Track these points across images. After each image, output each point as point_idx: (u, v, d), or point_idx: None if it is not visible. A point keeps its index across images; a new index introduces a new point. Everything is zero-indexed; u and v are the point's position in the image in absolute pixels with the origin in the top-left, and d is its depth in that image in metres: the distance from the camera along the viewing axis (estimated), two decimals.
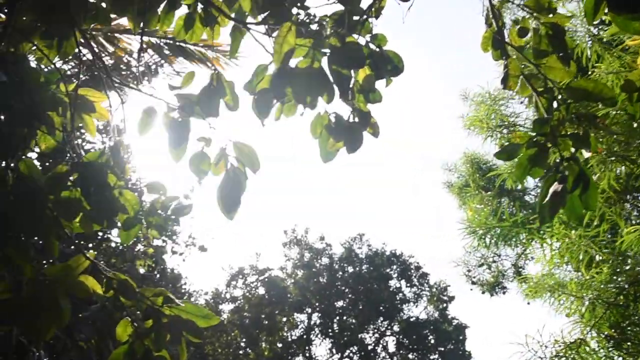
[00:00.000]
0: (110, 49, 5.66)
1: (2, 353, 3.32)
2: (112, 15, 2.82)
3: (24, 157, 2.51)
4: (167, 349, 2.41)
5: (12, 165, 2.47)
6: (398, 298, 23.90)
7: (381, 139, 2.73)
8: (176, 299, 2.43)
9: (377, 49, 2.46)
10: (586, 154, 2.52)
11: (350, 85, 2.46)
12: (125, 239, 2.69)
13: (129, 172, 2.71)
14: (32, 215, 2.57)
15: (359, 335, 23.43)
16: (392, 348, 23.73)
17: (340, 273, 24.22)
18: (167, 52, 6.09)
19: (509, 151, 2.39)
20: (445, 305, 23.72)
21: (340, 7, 2.36)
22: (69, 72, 5.07)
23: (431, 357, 23.42)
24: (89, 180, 2.40)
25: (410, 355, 23.47)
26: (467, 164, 7.93)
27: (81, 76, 2.37)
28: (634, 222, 5.38)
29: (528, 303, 6.98)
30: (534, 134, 2.60)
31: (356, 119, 2.39)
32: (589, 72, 5.22)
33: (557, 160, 2.54)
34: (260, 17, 2.60)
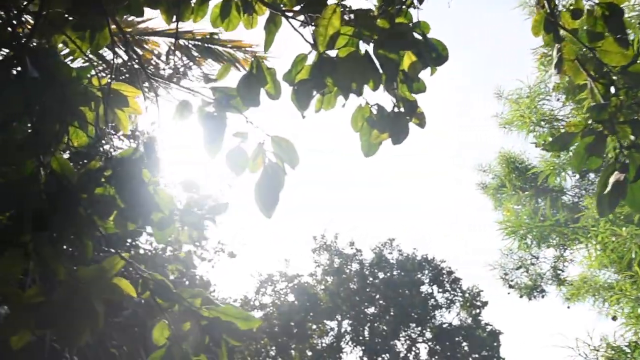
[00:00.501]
0: (139, 51, 5.62)
1: (35, 359, 3.26)
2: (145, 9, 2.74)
3: (56, 154, 2.43)
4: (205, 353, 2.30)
5: (44, 162, 2.39)
6: (430, 304, 23.60)
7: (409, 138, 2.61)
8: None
9: (421, 37, 2.33)
10: None
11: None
12: (161, 238, 2.59)
13: (163, 169, 2.62)
14: (64, 214, 2.49)
15: (391, 342, 23.18)
16: (424, 355, 23.44)
17: (371, 279, 24.02)
18: (195, 54, 6.03)
19: (562, 141, 2.25)
20: (478, 310, 23.36)
21: None
22: (100, 67, 5.02)
23: None
24: (124, 176, 2.30)
25: None
26: (503, 164, 7.74)
27: (114, 68, 2.28)
28: None
29: (568, 307, 6.75)
30: (590, 122, 2.46)
31: (401, 109, 2.26)
32: None
33: (617, 149, 2.39)
34: (296, 8, 2.49)
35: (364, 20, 2.05)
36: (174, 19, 2.74)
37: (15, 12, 2.47)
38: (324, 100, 2.48)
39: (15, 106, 2.45)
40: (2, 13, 2.64)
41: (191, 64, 6.09)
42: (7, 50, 2.67)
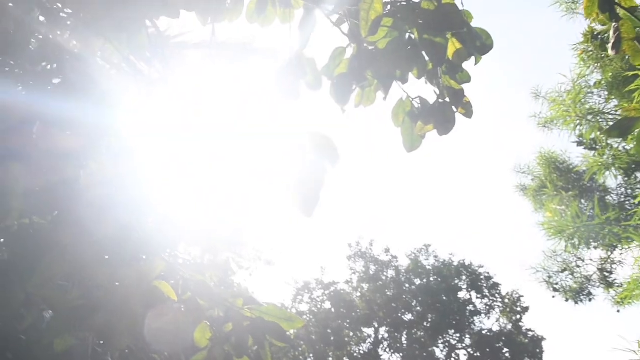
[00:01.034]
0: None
1: None
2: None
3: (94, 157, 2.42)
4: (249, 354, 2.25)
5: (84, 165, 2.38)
6: (468, 310, 23.23)
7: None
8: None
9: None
10: None
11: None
12: None
13: None
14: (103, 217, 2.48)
15: (429, 349, 22.88)
16: None
17: (407, 285, 23.77)
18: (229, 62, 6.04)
19: (622, 126, 2.13)
20: (519, 316, 22.91)
21: None
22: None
23: None
24: None
25: None
26: (543, 164, 7.55)
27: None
28: None
29: (618, 310, 6.53)
30: None
31: (446, 99, 2.19)
32: None
33: None
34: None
35: (405, 11, 1.98)
36: (209, 21, 2.71)
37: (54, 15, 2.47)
38: (363, 95, 2.42)
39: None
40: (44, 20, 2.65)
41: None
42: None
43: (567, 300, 7.52)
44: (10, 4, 2.63)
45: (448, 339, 23.10)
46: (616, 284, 6.01)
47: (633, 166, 6.17)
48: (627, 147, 5.97)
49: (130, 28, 2.36)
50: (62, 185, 2.65)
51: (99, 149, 2.67)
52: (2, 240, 2.79)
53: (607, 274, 6.80)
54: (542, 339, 23.46)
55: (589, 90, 6.02)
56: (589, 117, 5.70)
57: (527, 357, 22.91)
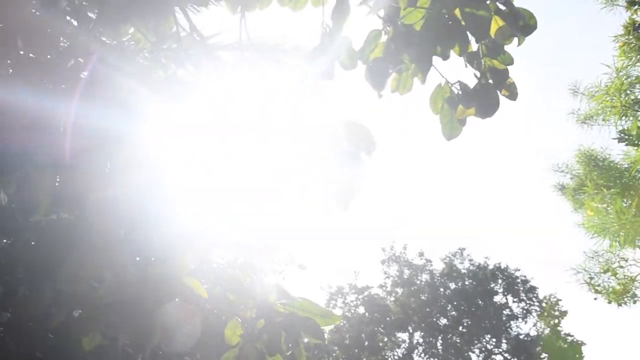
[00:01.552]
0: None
1: None
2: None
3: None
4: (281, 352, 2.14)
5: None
6: (505, 314, 22.82)
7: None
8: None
9: (505, 7, 2.14)
10: None
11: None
12: None
13: None
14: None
15: (465, 355, 22.53)
16: None
17: (442, 289, 23.46)
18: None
19: None
20: (557, 320, 22.39)
21: None
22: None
23: None
24: None
25: None
26: (583, 162, 7.32)
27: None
28: None
29: None
30: None
31: (489, 81, 2.06)
32: None
33: None
34: None
35: None
36: (239, 10, 2.63)
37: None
38: (400, 80, 2.31)
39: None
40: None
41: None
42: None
43: (609, 302, 7.26)
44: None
45: (484, 343, 22.70)
46: None
47: None
48: None
49: (157, 14, 2.30)
50: (90, 182, 2.60)
51: (126, 149, 2.61)
52: (31, 236, 2.75)
53: None
54: (582, 343, 22.90)
55: (632, 82, 5.81)
56: (636, 107, 5.48)
57: None
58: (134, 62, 2.75)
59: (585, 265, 7.09)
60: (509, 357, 22.74)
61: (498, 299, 23.39)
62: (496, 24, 1.97)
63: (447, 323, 23.16)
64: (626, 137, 6.26)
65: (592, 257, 6.92)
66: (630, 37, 6.09)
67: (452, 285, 23.56)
